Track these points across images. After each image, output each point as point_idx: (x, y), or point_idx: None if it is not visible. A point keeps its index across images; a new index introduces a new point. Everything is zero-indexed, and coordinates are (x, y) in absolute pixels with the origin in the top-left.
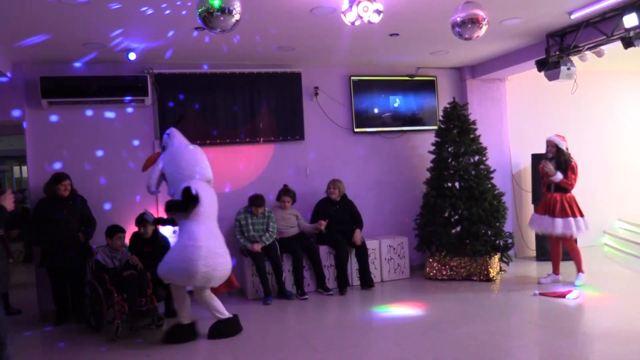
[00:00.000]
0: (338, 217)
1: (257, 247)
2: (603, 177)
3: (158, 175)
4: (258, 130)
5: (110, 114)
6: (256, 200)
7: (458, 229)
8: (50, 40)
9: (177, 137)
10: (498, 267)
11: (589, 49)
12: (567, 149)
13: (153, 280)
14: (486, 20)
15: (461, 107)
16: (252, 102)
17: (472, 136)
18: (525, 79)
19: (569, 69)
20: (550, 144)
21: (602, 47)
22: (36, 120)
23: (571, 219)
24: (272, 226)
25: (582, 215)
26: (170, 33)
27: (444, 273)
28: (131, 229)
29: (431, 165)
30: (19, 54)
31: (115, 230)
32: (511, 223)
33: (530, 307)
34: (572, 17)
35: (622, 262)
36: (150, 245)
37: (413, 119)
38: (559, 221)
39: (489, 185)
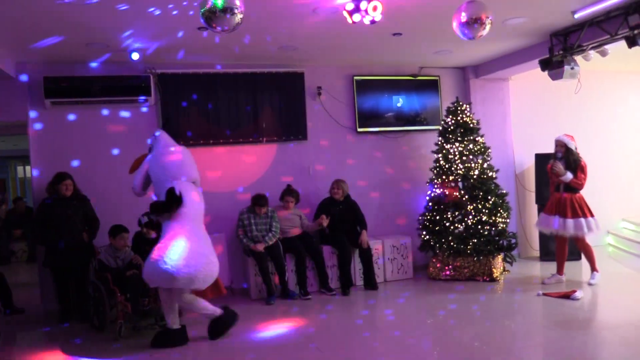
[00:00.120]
0: (341, 217)
1: (260, 247)
2: (607, 177)
3: (143, 177)
4: (261, 130)
5: (113, 114)
6: (259, 200)
7: (461, 229)
8: (57, 41)
9: (163, 139)
10: (502, 267)
11: (592, 48)
12: (576, 148)
13: None
14: (490, 19)
15: (464, 106)
16: (255, 102)
17: (475, 136)
18: (529, 79)
19: (572, 68)
20: (559, 144)
21: (606, 47)
22: (40, 121)
23: (582, 220)
24: (275, 226)
25: (592, 215)
26: (175, 33)
27: (447, 273)
28: (134, 228)
29: (434, 165)
30: (23, 54)
31: (119, 230)
32: (514, 223)
33: (534, 307)
34: (576, 16)
35: (626, 262)
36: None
37: (416, 119)
38: (570, 222)
39: (492, 185)
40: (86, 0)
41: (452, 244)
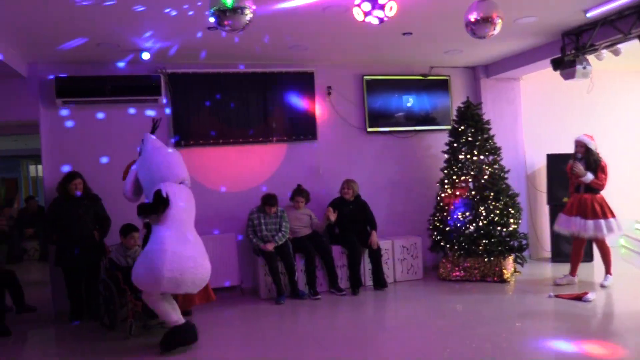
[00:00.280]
0: (352, 217)
1: (270, 246)
2: (620, 179)
3: (133, 182)
4: (271, 129)
5: (124, 114)
6: (269, 200)
7: (472, 229)
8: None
9: (149, 142)
10: (512, 268)
11: (605, 47)
12: (596, 148)
13: None
14: (500, 18)
15: (475, 106)
16: (264, 102)
17: (486, 136)
18: (540, 78)
19: (585, 68)
20: (579, 144)
21: (619, 46)
22: (51, 120)
23: (602, 221)
24: (284, 226)
25: (613, 215)
26: (186, 33)
27: (457, 274)
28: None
29: (444, 165)
30: (34, 54)
31: (129, 230)
32: (526, 224)
33: (546, 309)
34: (588, 15)
35: (639, 264)
36: None
37: (426, 119)
38: (590, 223)
39: (503, 186)
40: (104, 2)
41: (462, 244)
